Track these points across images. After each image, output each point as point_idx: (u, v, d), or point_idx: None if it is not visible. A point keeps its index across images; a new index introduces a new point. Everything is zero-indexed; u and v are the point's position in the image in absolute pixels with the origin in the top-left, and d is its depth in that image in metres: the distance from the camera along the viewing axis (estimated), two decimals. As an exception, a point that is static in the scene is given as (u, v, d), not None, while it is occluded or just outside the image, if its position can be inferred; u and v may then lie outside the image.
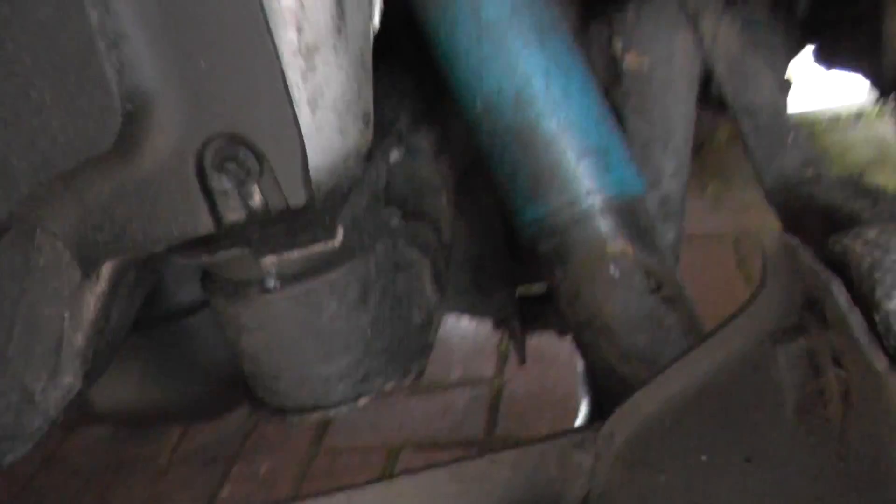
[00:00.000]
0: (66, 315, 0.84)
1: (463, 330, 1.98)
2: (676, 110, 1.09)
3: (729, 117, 0.89)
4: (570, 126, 0.80)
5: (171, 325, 1.09)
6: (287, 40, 0.63)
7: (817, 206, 0.61)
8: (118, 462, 2.03)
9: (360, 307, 0.75)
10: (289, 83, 0.64)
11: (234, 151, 0.66)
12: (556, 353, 1.68)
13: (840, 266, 0.44)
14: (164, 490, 1.93)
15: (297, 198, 0.68)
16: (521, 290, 1.10)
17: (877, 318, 0.42)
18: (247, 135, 0.65)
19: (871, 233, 0.45)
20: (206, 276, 0.79)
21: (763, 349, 0.49)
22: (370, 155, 0.77)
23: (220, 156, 0.67)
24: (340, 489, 0.72)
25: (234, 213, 0.70)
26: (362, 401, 0.78)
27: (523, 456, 0.64)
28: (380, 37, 0.81)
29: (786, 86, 1.03)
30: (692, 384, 0.54)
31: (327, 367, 0.76)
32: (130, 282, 0.88)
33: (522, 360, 1.15)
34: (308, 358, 0.76)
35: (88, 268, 0.78)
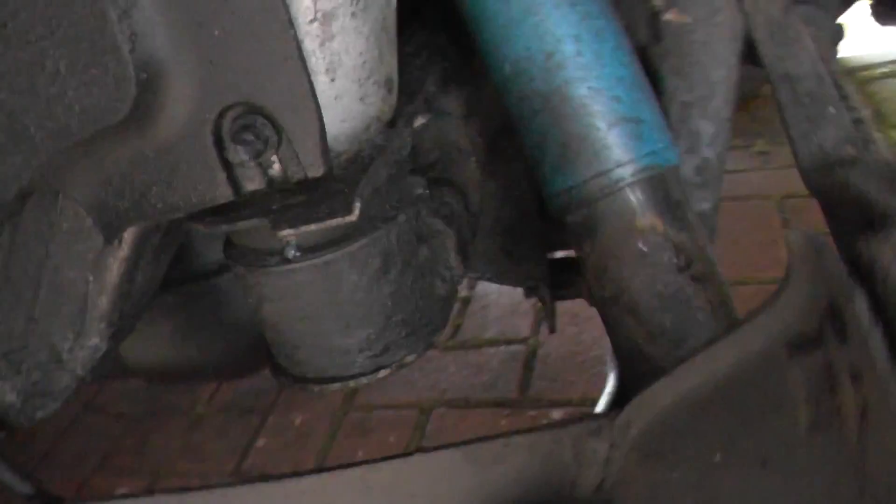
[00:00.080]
0: (91, 279, 0.84)
1: (500, 288, 1.96)
2: (717, 72, 1.06)
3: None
4: (601, 93, 0.77)
5: (200, 284, 1.09)
6: (302, 8, 0.61)
7: (851, 195, 0.58)
8: (156, 409, 2.06)
9: (380, 279, 0.74)
10: (305, 52, 0.63)
11: (252, 121, 0.65)
12: (591, 314, 1.66)
13: (866, 272, 0.42)
14: (201, 438, 1.96)
15: (316, 169, 0.66)
16: (552, 255, 1.08)
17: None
18: (263, 105, 0.64)
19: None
20: (229, 243, 0.79)
21: (780, 359, 0.47)
22: (394, 121, 0.75)
23: (237, 125, 0.65)
24: (356, 464, 0.72)
25: (253, 183, 0.69)
26: (382, 373, 0.77)
27: (539, 440, 0.63)
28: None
29: (837, 36, 0.99)
30: (710, 381, 0.52)
31: (347, 339, 0.75)
32: (155, 245, 0.87)
33: (552, 328, 1.13)
34: (328, 329, 0.75)
35: (110, 233, 0.77)
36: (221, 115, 0.65)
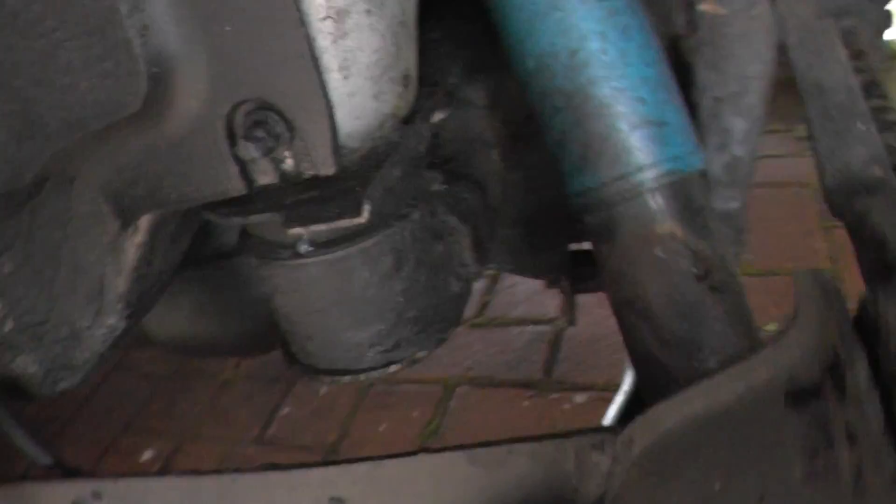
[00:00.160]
0: (108, 261, 0.84)
1: (529, 266, 1.95)
2: (752, 67, 1.03)
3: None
4: (624, 93, 0.75)
5: (222, 263, 1.09)
6: (315, 4, 0.60)
7: (869, 232, 0.56)
8: (184, 372, 2.09)
9: (393, 276, 0.73)
10: (318, 49, 0.62)
11: (264, 117, 0.64)
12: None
13: (871, 328, 0.40)
14: (226, 404, 1.98)
15: (327, 167, 0.66)
16: (574, 247, 1.07)
17: None
18: (274, 102, 0.63)
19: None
20: (244, 232, 0.79)
21: (778, 405, 0.46)
22: (411, 117, 0.74)
23: (249, 120, 0.65)
24: (363, 459, 0.72)
25: (265, 177, 0.69)
26: (393, 368, 0.77)
27: (543, 448, 0.63)
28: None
29: (884, 23, 0.95)
30: (713, 410, 0.51)
31: (358, 334, 0.75)
32: (172, 230, 0.87)
33: (572, 321, 1.12)
34: (339, 323, 0.75)
35: (126, 219, 0.77)
36: (234, 111, 0.65)
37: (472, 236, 0.79)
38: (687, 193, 0.75)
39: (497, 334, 1.89)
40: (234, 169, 0.68)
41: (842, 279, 1.66)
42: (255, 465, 0.80)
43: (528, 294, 1.97)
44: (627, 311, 0.77)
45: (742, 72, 1.03)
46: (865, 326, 0.41)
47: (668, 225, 0.73)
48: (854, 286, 0.58)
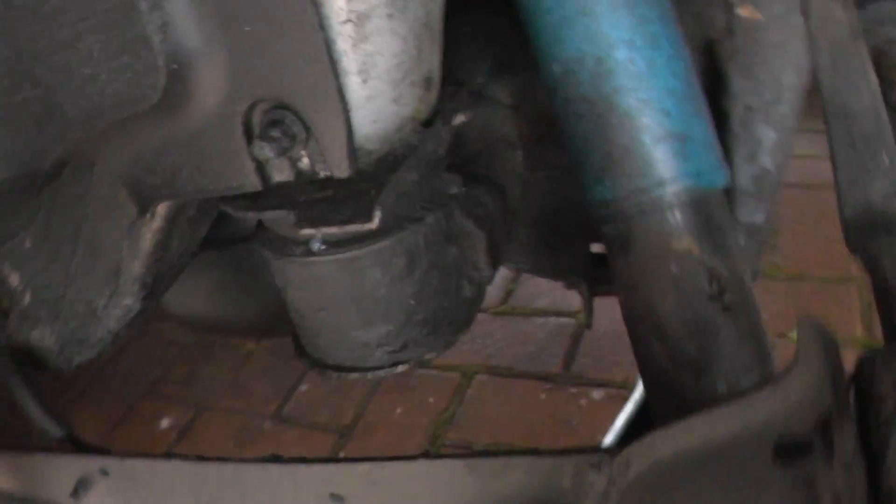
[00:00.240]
0: (125, 244, 0.85)
1: (555, 257, 1.94)
2: (787, 77, 1.01)
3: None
4: (650, 105, 0.74)
5: (241, 246, 1.10)
6: (335, 8, 0.60)
7: (880, 277, 0.54)
8: (207, 341, 2.10)
9: (404, 278, 0.73)
10: (337, 52, 0.61)
11: (281, 116, 0.64)
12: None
13: (865, 390, 0.39)
14: (247, 377, 1.99)
15: (341, 170, 0.66)
16: (593, 249, 1.06)
17: (882, 486, 0.37)
18: (291, 103, 0.63)
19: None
20: (259, 225, 0.79)
21: (767, 459, 0.45)
22: (432, 119, 0.74)
23: (266, 119, 0.65)
24: (365, 459, 0.72)
25: (281, 174, 0.69)
26: (400, 368, 0.77)
27: (539, 464, 0.62)
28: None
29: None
30: (706, 446, 0.51)
31: (367, 333, 0.75)
32: (191, 216, 0.88)
33: (589, 324, 1.11)
34: (348, 321, 0.75)
35: (144, 206, 0.78)
36: (251, 109, 0.65)
37: (487, 241, 0.78)
38: (707, 211, 0.73)
39: (519, 324, 1.89)
40: (249, 165, 0.68)
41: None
42: (260, 456, 0.80)
43: (552, 285, 1.95)
44: (639, 326, 0.76)
45: (776, 81, 1.01)
46: (859, 389, 0.40)
47: (685, 241, 0.72)
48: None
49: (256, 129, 0.65)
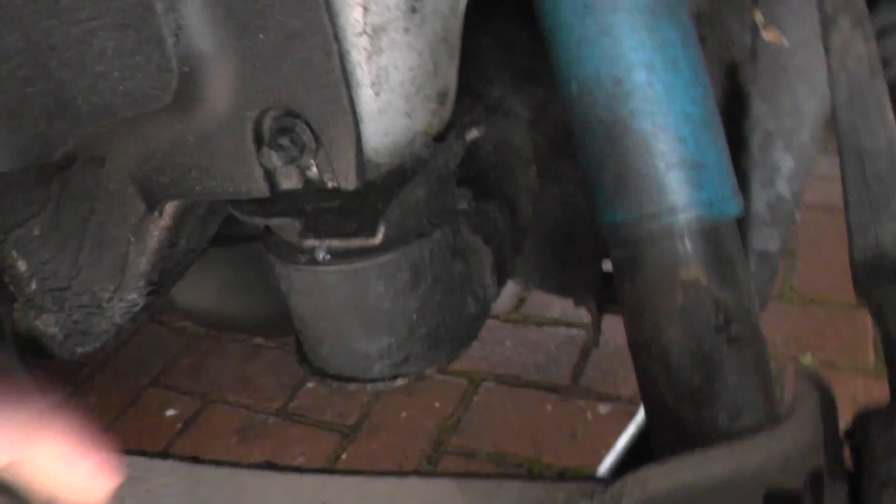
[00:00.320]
0: (132, 240, 0.85)
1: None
2: (809, 104, 1.00)
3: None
4: (666, 130, 0.73)
5: (249, 245, 1.10)
6: (351, 20, 0.59)
7: (884, 329, 0.53)
8: (217, 334, 2.11)
9: (408, 292, 0.72)
10: (351, 64, 0.61)
11: (292, 124, 0.64)
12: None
13: (858, 453, 0.38)
14: (254, 371, 1.99)
15: (349, 181, 0.65)
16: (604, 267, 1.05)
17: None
18: (302, 112, 0.62)
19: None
20: (267, 228, 0.78)
21: None
22: (445, 133, 0.73)
23: (277, 126, 0.64)
24: (358, 472, 0.72)
25: (289, 182, 0.68)
26: (400, 381, 0.77)
27: (532, 489, 0.62)
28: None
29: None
30: (700, 485, 0.50)
31: (368, 345, 0.75)
32: (199, 214, 0.88)
33: (596, 342, 1.10)
34: (350, 332, 0.74)
35: (152, 203, 0.78)
36: (262, 116, 0.64)
37: (494, 258, 0.77)
38: (717, 240, 0.72)
39: (530, 332, 1.88)
40: (258, 171, 0.67)
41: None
42: (256, 462, 0.80)
43: (564, 296, 1.95)
44: (643, 352, 0.75)
45: (798, 107, 1.00)
46: (854, 446, 0.39)
47: (693, 271, 0.71)
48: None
49: (266, 136, 0.65)
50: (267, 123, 0.65)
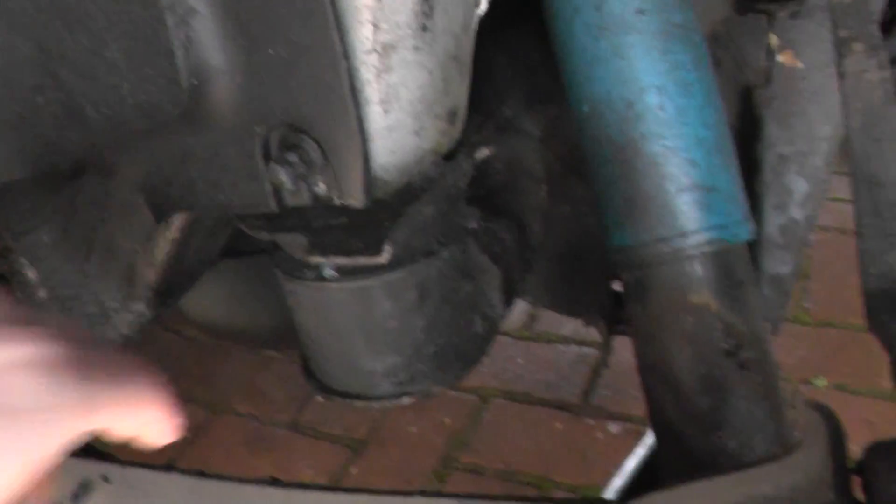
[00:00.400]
0: (140, 251, 0.85)
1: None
2: (823, 128, 0.99)
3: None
4: (676, 153, 0.72)
5: (260, 257, 1.09)
6: (361, 37, 0.59)
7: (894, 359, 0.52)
8: (227, 343, 2.10)
9: (415, 310, 0.72)
10: (360, 81, 0.60)
11: (299, 141, 0.63)
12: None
13: (867, 482, 0.38)
14: (264, 382, 1.99)
15: (356, 199, 0.65)
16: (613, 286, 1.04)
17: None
18: (310, 128, 0.62)
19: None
20: (274, 244, 0.78)
21: None
22: (455, 151, 0.73)
23: (285, 142, 0.64)
24: (362, 490, 0.71)
25: (297, 198, 0.68)
26: (406, 399, 0.76)
27: (537, 516, 0.61)
28: (509, 3, 0.74)
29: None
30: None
31: (374, 363, 0.74)
32: (208, 227, 0.88)
33: (605, 361, 1.09)
34: (356, 350, 0.74)
35: (160, 215, 0.78)
36: (270, 131, 0.64)
37: (502, 278, 0.77)
38: (727, 265, 0.72)
39: (541, 350, 1.87)
40: (266, 186, 0.67)
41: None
42: (259, 477, 0.80)
43: (576, 313, 1.94)
44: (652, 376, 0.74)
45: (811, 131, 0.99)
46: (865, 480, 0.38)
47: (703, 295, 0.71)
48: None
49: (274, 152, 0.65)
50: (275, 139, 0.64)
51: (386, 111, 0.63)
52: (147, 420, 0.48)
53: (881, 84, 0.67)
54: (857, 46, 0.72)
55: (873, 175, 0.64)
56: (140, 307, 0.90)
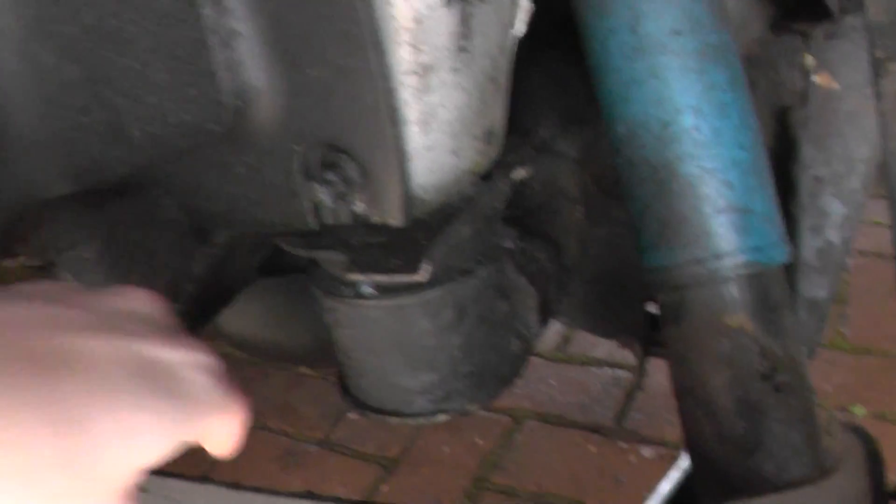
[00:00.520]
0: (180, 268, 0.86)
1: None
2: (860, 149, 0.99)
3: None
4: (713, 174, 0.72)
5: (297, 275, 1.10)
6: (400, 58, 0.60)
7: None
8: (260, 361, 2.11)
9: (452, 329, 0.72)
10: (399, 102, 0.61)
11: (338, 160, 0.64)
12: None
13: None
14: (297, 399, 2.00)
15: (395, 218, 0.66)
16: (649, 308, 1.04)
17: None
18: (349, 148, 0.63)
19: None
20: (312, 262, 0.79)
21: None
22: (491, 172, 0.73)
23: (325, 161, 0.65)
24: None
25: (336, 217, 0.69)
26: (441, 417, 0.77)
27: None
28: (546, 24, 0.75)
29: None
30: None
31: (410, 380, 0.75)
32: (248, 244, 0.89)
33: (639, 384, 1.09)
34: (392, 367, 0.75)
35: (201, 232, 0.79)
36: (310, 150, 0.65)
37: (538, 298, 0.77)
38: (764, 287, 0.72)
39: (574, 372, 1.87)
40: (307, 205, 0.68)
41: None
42: (295, 491, 0.80)
43: (610, 335, 1.93)
44: (688, 398, 0.74)
45: (848, 153, 0.99)
46: None
47: (739, 318, 0.71)
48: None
49: (314, 171, 0.66)
50: (315, 158, 0.65)
51: (424, 131, 0.64)
52: (230, 431, 0.50)
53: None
54: (894, 67, 0.71)
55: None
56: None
